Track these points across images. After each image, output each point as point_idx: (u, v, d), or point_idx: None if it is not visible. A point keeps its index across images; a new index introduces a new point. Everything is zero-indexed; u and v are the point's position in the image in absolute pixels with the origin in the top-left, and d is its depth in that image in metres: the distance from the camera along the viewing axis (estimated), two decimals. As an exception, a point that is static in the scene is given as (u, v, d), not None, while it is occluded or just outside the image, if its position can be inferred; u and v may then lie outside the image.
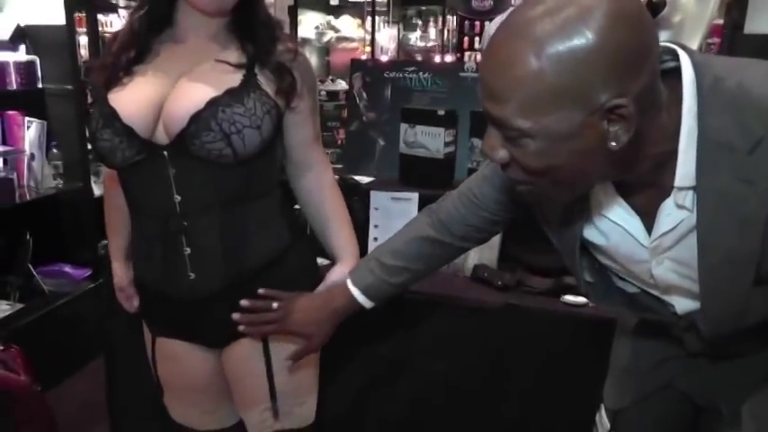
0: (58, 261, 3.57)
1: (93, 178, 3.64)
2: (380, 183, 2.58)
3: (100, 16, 5.20)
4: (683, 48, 1.01)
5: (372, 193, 2.46)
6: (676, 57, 1.01)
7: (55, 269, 3.53)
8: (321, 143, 1.74)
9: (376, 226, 2.45)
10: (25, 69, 3.20)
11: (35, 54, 3.29)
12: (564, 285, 2.19)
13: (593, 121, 0.90)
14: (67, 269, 3.56)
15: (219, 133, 1.45)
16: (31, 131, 3.22)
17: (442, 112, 2.44)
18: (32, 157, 3.24)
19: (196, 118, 1.45)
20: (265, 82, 1.53)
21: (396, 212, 2.42)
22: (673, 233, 1.08)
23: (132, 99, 1.50)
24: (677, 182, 1.01)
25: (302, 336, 1.58)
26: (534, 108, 0.90)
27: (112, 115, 1.48)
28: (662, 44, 1.00)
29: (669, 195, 1.04)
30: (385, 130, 2.72)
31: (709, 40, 3.84)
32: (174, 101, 1.48)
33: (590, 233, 1.21)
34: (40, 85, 3.31)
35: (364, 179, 2.59)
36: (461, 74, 2.65)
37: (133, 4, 4.76)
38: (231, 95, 1.47)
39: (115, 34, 1.62)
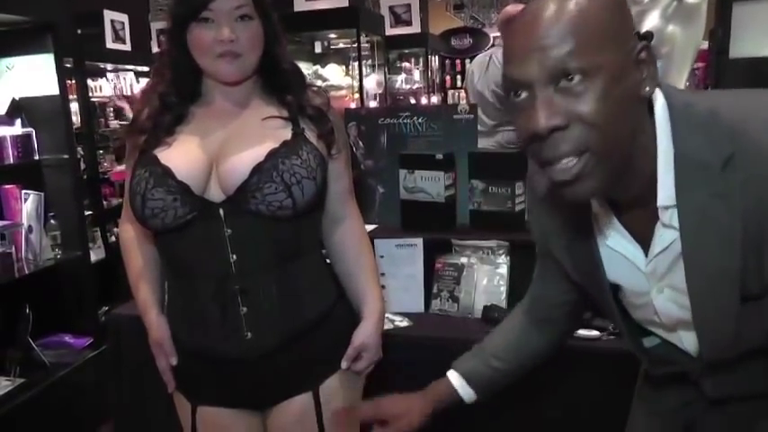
0: (58, 331, 3.53)
1: (90, 245, 3.63)
2: (383, 230, 2.59)
3: (89, 81, 5.25)
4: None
5: (377, 242, 2.45)
6: None
7: (55, 340, 3.48)
8: (354, 197, 1.76)
9: (383, 274, 2.44)
10: (22, 142, 3.20)
11: (31, 126, 3.29)
12: (577, 320, 2.18)
13: (630, 63, 0.98)
14: (68, 339, 3.52)
15: (281, 184, 1.47)
16: (28, 204, 3.20)
17: (440, 156, 2.45)
18: (30, 229, 3.22)
19: (258, 169, 1.47)
20: (311, 135, 1.57)
21: (402, 259, 2.42)
22: (665, 255, 1.11)
23: (183, 157, 1.51)
24: (660, 201, 1.05)
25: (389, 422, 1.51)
26: (589, 46, 0.95)
27: (166, 173, 1.49)
28: None
29: (658, 218, 1.08)
30: (383, 177, 2.73)
31: (695, 66, 3.90)
32: (230, 156, 1.51)
33: (604, 268, 1.22)
34: (36, 157, 3.30)
35: (367, 227, 2.58)
36: (455, 116, 2.66)
37: (121, 67, 4.81)
38: (288, 147, 1.51)
39: (142, 100, 1.64)
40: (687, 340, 1.24)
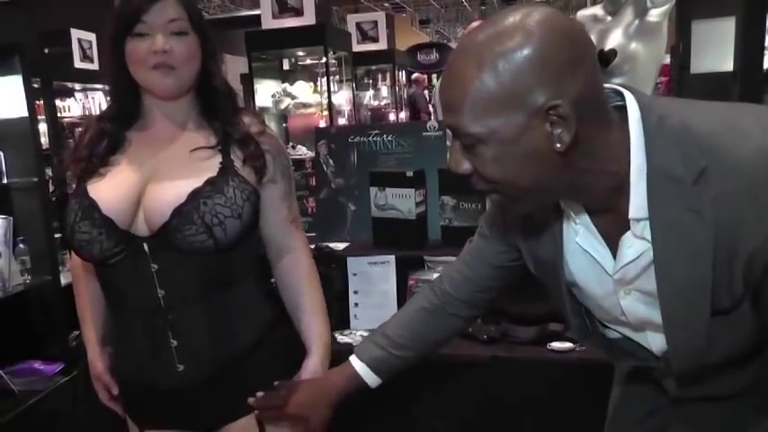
0: (28, 358, 3.47)
1: (60, 268, 3.59)
2: (355, 248, 2.59)
3: (57, 101, 5.21)
4: (630, 89, 1.10)
5: (349, 260, 2.47)
6: (623, 97, 1.09)
7: (24, 367, 3.41)
8: (300, 227, 1.71)
9: (356, 292, 2.45)
10: (-11, 166, 3.17)
11: (-1, 149, 3.26)
12: (549, 333, 2.21)
13: (535, 123, 0.99)
14: (38, 365, 3.44)
15: (202, 226, 1.44)
16: (-1, 230, 3.16)
17: (410, 173, 2.47)
18: (-2, 255, 3.18)
19: (178, 212, 1.44)
20: (241, 166, 1.53)
21: (374, 276, 2.43)
22: (635, 264, 1.12)
23: (111, 190, 1.49)
24: (631, 213, 1.07)
25: (299, 419, 1.54)
26: (482, 113, 0.99)
27: (92, 206, 1.47)
28: (608, 86, 1.09)
29: (628, 228, 1.10)
30: (354, 194, 2.74)
31: (658, 80, 3.99)
32: (154, 193, 1.48)
33: (567, 265, 1.25)
34: (4, 180, 3.26)
35: (339, 246, 2.60)
36: (424, 133, 2.69)
37: (90, 86, 4.77)
38: (212, 186, 1.47)
39: (86, 126, 1.63)
40: (654, 341, 1.25)
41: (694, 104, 1.11)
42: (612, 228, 1.13)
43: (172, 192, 1.46)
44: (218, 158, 1.52)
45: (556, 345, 2.16)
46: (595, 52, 1.06)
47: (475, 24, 4.60)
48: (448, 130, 3.02)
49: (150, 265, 1.48)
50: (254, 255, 1.65)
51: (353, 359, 1.56)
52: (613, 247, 1.15)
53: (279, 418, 1.55)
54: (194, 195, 1.45)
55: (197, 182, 1.47)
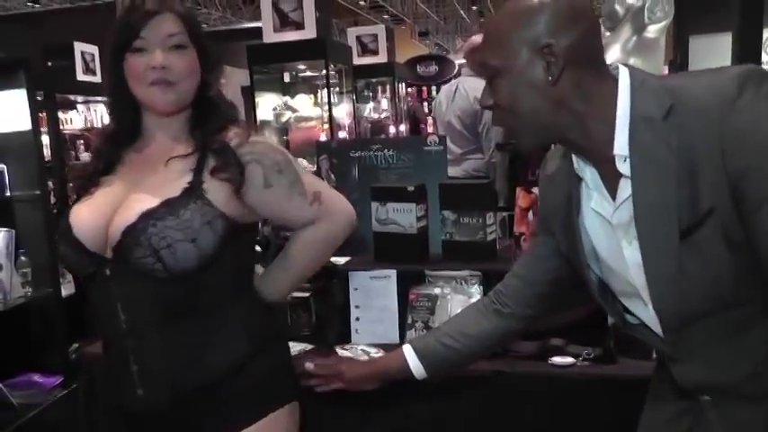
0: (27, 370, 3.47)
1: (60, 280, 3.60)
2: (356, 262, 2.60)
3: (60, 113, 5.23)
4: (626, 65, 1.32)
5: (351, 274, 2.48)
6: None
7: (24, 380, 3.41)
8: (327, 197, 1.67)
9: (357, 306, 2.46)
10: (-7, 179, 3.18)
11: (2, 162, 3.26)
12: (550, 347, 2.21)
13: (535, 58, 1.26)
14: (37, 378, 3.44)
15: (149, 248, 1.41)
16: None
17: (411, 188, 2.48)
18: (0, 267, 3.18)
19: (128, 232, 1.43)
20: (212, 188, 1.49)
21: (375, 291, 2.44)
22: (626, 204, 1.28)
23: (86, 212, 1.50)
24: (616, 149, 1.26)
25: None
26: (497, 48, 1.29)
27: (67, 228, 1.49)
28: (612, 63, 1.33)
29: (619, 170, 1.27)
30: (356, 209, 2.72)
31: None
32: (118, 215, 1.47)
33: (587, 234, 1.41)
34: (8, 193, 3.27)
35: (340, 260, 2.60)
36: (425, 148, 2.70)
37: (92, 99, 4.81)
38: (167, 206, 1.44)
39: (94, 139, 1.66)
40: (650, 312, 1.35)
41: (674, 75, 1.47)
42: (612, 177, 1.30)
43: (128, 213, 1.45)
44: (188, 178, 1.49)
45: (557, 359, 2.16)
46: (596, 22, 1.33)
47: (475, 38, 4.64)
48: (452, 146, 3.08)
49: (112, 287, 1.47)
50: (233, 283, 1.57)
51: (405, 346, 1.72)
52: (614, 198, 1.32)
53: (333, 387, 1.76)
54: (145, 216, 1.43)
55: (154, 202, 1.45)
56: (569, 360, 2.15)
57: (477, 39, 4.63)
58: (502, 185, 2.89)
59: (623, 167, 1.26)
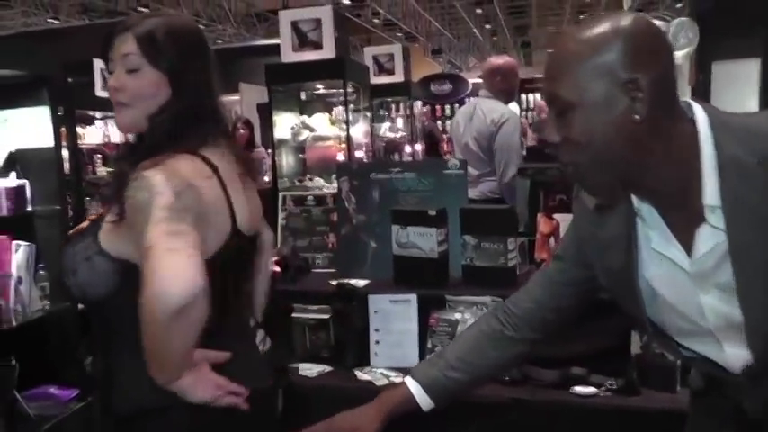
0: (44, 383, 3.48)
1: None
2: (376, 285, 2.60)
3: (78, 128, 5.29)
4: (694, 101, 1.26)
5: (370, 297, 2.48)
6: (690, 106, 1.24)
7: (40, 391, 3.42)
8: (156, 255, 1.29)
9: (377, 329, 2.45)
10: (15, 194, 3.20)
11: (24, 177, 3.29)
12: (572, 376, 2.20)
13: (617, 93, 1.17)
14: (53, 390, 3.46)
15: (66, 268, 1.46)
16: (18, 255, 3.18)
17: (432, 212, 2.48)
18: (20, 280, 3.19)
19: (63, 253, 1.49)
20: (105, 224, 1.46)
21: (395, 315, 2.44)
22: (711, 256, 1.21)
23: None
24: (706, 200, 1.18)
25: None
26: (575, 81, 1.19)
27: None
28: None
29: (704, 221, 1.20)
30: (375, 231, 2.75)
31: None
32: None
33: (642, 274, 1.33)
34: (29, 208, 3.30)
35: (360, 282, 2.60)
36: (446, 171, 2.70)
37: (110, 114, 4.84)
38: (83, 230, 1.51)
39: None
40: (733, 354, 1.30)
41: (751, 114, 1.35)
42: (685, 225, 1.24)
43: None
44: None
45: (579, 389, 2.15)
46: (672, 56, 1.25)
47: (493, 59, 4.65)
48: (469, 168, 3.05)
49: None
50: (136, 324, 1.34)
51: (408, 379, 1.62)
52: (687, 245, 1.25)
53: None
54: (70, 238, 1.50)
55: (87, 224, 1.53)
56: (591, 390, 2.14)
57: (497, 60, 4.65)
58: (522, 211, 2.88)
59: (714, 219, 1.19)
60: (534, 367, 2.27)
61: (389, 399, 1.61)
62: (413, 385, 1.60)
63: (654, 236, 1.29)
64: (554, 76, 1.23)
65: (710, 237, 1.20)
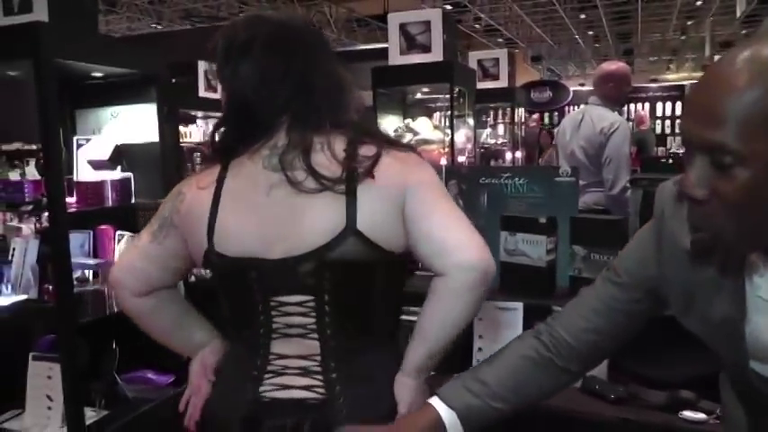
0: (142, 367, 3.57)
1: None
2: (482, 292, 2.54)
3: (180, 127, 5.46)
4: None
5: (477, 304, 2.43)
6: None
7: (138, 375, 3.52)
8: None
9: (480, 336, 2.41)
10: (120, 186, 3.28)
11: (130, 171, 3.39)
12: (680, 400, 2.11)
13: None
14: (150, 375, 3.55)
15: None
16: (122, 245, 3.28)
17: (543, 220, 2.42)
18: (123, 269, 3.28)
19: None
20: None
21: (500, 322, 2.39)
22: None
23: None
24: None
25: None
26: (756, 131, 0.93)
27: None
28: None
29: None
30: (483, 235, 2.68)
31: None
32: None
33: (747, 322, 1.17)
34: (133, 200, 3.38)
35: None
36: (557, 179, 2.63)
37: (211, 114, 4.96)
38: None
39: None
40: None
41: None
42: None
43: None
44: None
45: (688, 414, 2.05)
46: None
47: (606, 65, 4.52)
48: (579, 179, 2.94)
49: None
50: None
51: (438, 403, 1.37)
52: None
53: None
54: None
55: None
56: (702, 416, 2.04)
57: (610, 65, 4.51)
58: (634, 222, 2.79)
59: None
60: (641, 387, 2.19)
61: (415, 427, 1.37)
62: (446, 413, 1.36)
63: (762, 283, 1.13)
64: (720, 119, 0.96)
65: None
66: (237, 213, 1.49)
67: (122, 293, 1.64)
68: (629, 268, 1.36)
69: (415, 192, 1.47)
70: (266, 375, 1.51)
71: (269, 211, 1.47)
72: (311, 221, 1.44)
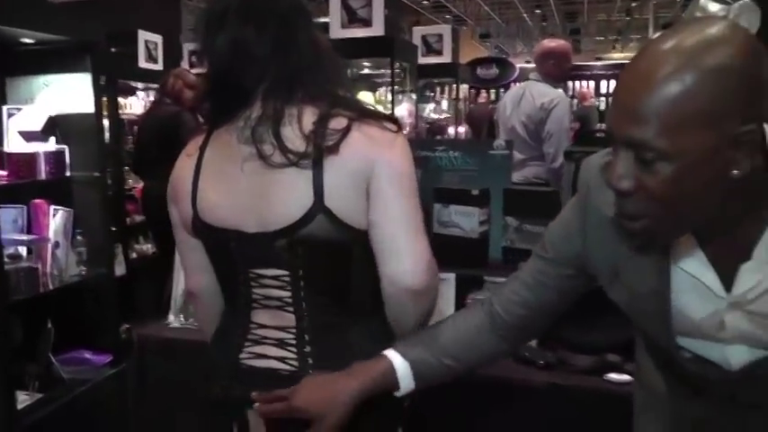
0: (78, 347, 3.51)
1: (114, 261, 3.64)
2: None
3: (120, 99, 5.34)
4: None
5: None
6: None
7: (75, 356, 3.45)
8: None
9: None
10: (54, 159, 3.19)
11: (64, 143, 3.29)
12: (607, 363, 2.15)
13: (724, 146, 0.94)
14: (87, 355, 3.48)
15: None
16: (56, 219, 3.19)
17: (476, 192, 2.44)
18: (57, 245, 3.19)
19: None
20: None
21: (432, 294, 2.39)
22: (754, 290, 1.10)
23: None
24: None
25: (311, 416, 1.34)
26: (677, 128, 0.94)
27: None
28: None
29: (749, 258, 1.08)
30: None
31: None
32: None
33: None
34: (68, 173, 3.30)
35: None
36: (491, 152, 2.65)
37: (151, 85, 4.86)
38: None
39: None
40: (738, 354, 1.19)
41: None
42: (724, 254, 1.11)
43: None
44: None
45: (613, 376, 2.10)
46: None
47: (547, 42, 4.54)
48: (515, 152, 2.95)
49: None
50: None
51: (393, 355, 1.39)
52: (724, 275, 1.12)
53: (286, 414, 1.37)
54: None
55: None
56: (626, 378, 2.08)
57: (550, 43, 4.55)
58: (567, 194, 2.82)
59: (765, 255, 1.07)
60: (569, 353, 2.23)
61: (364, 378, 1.37)
62: (400, 363, 1.39)
63: (688, 260, 1.15)
64: (642, 116, 0.96)
65: (755, 272, 1.09)
66: (215, 184, 1.49)
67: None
68: (555, 243, 1.37)
69: (378, 178, 1.41)
70: (246, 343, 1.53)
71: (242, 185, 1.45)
72: (281, 197, 1.42)
